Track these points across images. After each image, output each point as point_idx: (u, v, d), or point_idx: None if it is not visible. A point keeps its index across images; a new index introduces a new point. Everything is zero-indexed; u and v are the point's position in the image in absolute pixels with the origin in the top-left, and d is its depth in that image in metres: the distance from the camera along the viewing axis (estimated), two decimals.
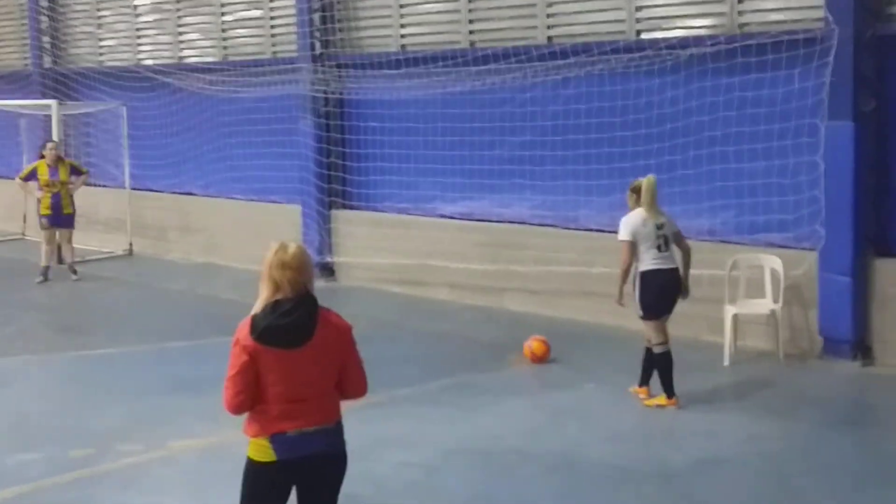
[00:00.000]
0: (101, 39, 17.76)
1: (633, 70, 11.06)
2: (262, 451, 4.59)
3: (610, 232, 11.28)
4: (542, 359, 9.98)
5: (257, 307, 4.60)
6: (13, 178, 15.17)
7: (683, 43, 10.72)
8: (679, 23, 11.09)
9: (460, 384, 9.42)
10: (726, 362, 9.84)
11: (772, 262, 10.13)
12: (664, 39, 10.92)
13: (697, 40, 10.66)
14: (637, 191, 8.62)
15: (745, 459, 7.48)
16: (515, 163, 12.21)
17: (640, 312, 8.58)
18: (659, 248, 8.48)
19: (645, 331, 8.68)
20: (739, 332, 10.21)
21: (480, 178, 12.61)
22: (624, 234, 8.52)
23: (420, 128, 13.04)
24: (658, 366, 8.62)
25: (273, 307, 4.55)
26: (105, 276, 14.88)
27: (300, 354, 4.55)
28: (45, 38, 18.35)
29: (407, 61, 12.92)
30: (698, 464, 7.36)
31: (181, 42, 16.39)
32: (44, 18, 18.26)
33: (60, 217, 14.29)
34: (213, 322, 11.79)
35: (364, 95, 13.53)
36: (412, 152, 13.21)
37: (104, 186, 17.01)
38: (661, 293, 8.51)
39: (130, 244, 16.47)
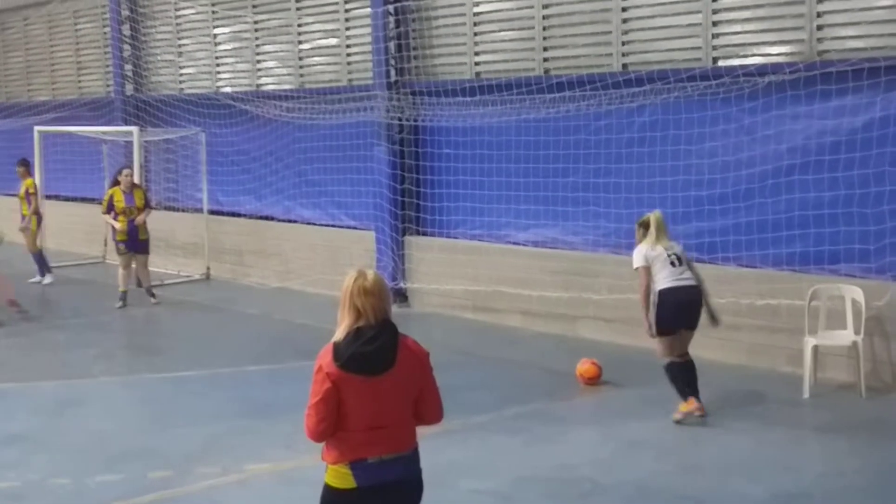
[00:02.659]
0: (181, 67, 18.15)
1: (710, 97, 10.98)
2: (342, 477, 4.60)
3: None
4: (593, 380, 10.02)
5: (339, 334, 4.61)
6: (95, 202, 15.50)
7: (761, 70, 10.62)
8: (757, 50, 10.99)
9: (533, 412, 9.39)
10: (806, 395, 9.66)
11: (853, 292, 9.94)
12: (741, 67, 10.83)
13: (775, 67, 10.55)
14: (645, 225, 9.00)
15: (825, 494, 7.33)
16: (589, 190, 12.18)
17: (653, 331, 8.81)
18: (672, 264, 8.76)
19: (656, 349, 8.92)
20: (819, 363, 10.02)
21: (554, 205, 12.61)
22: (638, 261, 8.87)
23: (494, 154, 13.08)
24: (669, 375, 8.85)
25: (356, 334, 4.57)
26: (183, 300, 15.13)
27: (382, 381, 4.57)
28: (128, 66, 18.79)
29: (481, 88, 12.98)
30: (777, 498, 7.22)
31: (259, 70, 16.67)
32: (126, 47, 18.71)
33: (136, 242, 14.52)
34: (288, 346, 11.93)
35: (438, 122, 13.62)
36: (485, 179, 13.24)
37: (183, 211, 17.33)
38: (678, 309, 8.73)
39: (208, 268, 16.73)
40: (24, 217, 16.03)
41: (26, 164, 16.53)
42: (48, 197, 18.49)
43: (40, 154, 18.15)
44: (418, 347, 4.72)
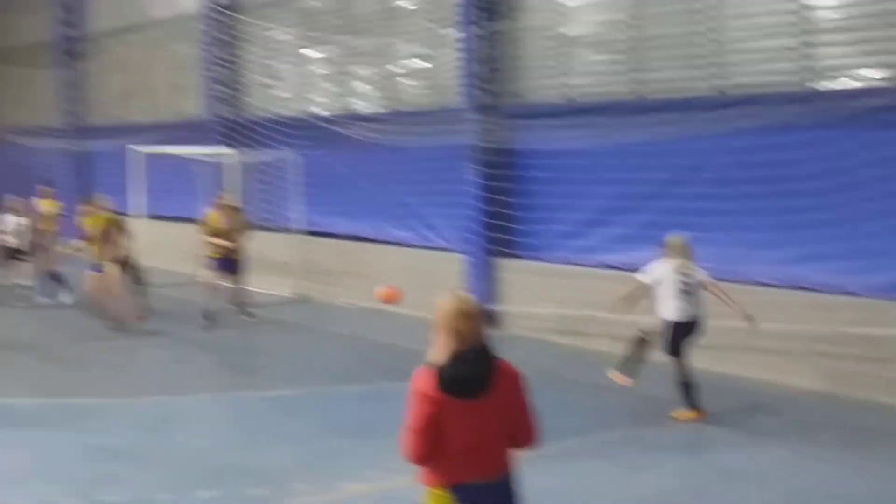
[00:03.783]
0: (274, 90, 18.48)
1: (806, 121, 10.85)
2: (441, 501, 4.64)
3: (778, 287, 11.10)
4: (390, 299, 9.48)
5: (436, 357, 4.64)
6: (190, 222, 15.83)
7: (858, 94, 10.47)
8: (854, 73, 10.84)
9: (625, 438, 9.34)
10: None
11: None
12: (839, 91, 10.69)
13: (873, 91, 10.40)
14: (669, 247, 9.74)
15: None
16: (682, 214, 12.07)
17: (667, 350, 9.69)
18: (681, 294, 9.54)
19: (672, 365, 9.69)
20: None
21: (646, 230, 12.50)
22: (645, 276, 9.75)
23: (585, 178, 13.06)
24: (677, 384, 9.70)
25: (455, 357, 4.61)
26: (276, 320, 15.36)
27: (479, 404, 4.60)
28: (222, 88, 19.20)
29: (573, 111, 13.00)
30: None
31: (350, 92, 16.90)
32: (221, 69, 19.12)
33: (229, 262, 14.80)
34: (380, 367, 12.06)
35: (529, 145, 13.66)
36: (577, 202, 13.24)
37: (275, 231, 17.62)
38: (684, 339, 9.70)
39: (300, 288, 16.96)
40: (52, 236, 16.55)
41: (49, 186, 17.09)
42: (147, 216, 18.96)
43: (137, 174, 18.61)
44: (513, 369, 4.75)
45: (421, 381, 4.63)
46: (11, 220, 16.70)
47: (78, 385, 11.85)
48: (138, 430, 9.83)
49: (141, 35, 21.82)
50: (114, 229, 14.68)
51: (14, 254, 16.53)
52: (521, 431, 4.76)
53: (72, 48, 23.96)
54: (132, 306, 14.68)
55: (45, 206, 17.35)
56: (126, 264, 14.87)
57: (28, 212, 16.23)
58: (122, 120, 22.34)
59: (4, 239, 16.72)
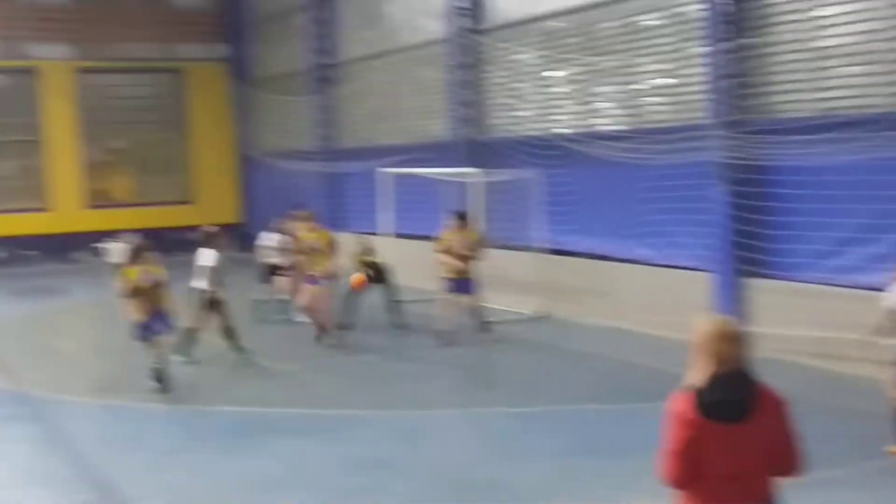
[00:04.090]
0: (517, 110, 18.74)
1: None
2: None
3: None
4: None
5: (695, 380, 4.60)
6: (432, 240, 16.19)
7: None
8: None
9: (887, 469, 8.88)
10: None
11: None
12: None
13: None
14: None
15: None
16: None
17: None
18: None
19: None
20: None
21: None
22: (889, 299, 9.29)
23: (841, 195, 12.52)
24: None
25: (714, 380, 4.55)
26: (518, 337, 15.52)
27: (741, 429, 4.53)
28: (466, 110, 19.63)
29: (826, 126, 12.50)
30: None
31: (592, 111, 16.92)
32: (465, 92, 19.57)
33: (464, 282, 15.01)
34: (626, 387, 11.98)
35: (779, 161, 13.24)
36: (832, 220, 12.71)
37: (518, 250, 17.83)
38: None
39: (543, 306, 17.08)
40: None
41: (305, 209, 17.80)
42: (394, 235, 19.62)
43: (385, 194, 19.29)
44: (776, 395, 4.65)
45: (679, 403, 4.60)
46: (274, 239, 17.66)
47: (330, 397, 12.40)
48: (390, 442, 10.18)
49: (389, 61, 22.64)
50: (328, 244, 15.29)
51: (274, 270, 17.47)
52: (785, 459, 4.65)
53: (325, 75, 25.16)
54: (333, 320, 15.15)
55: (303, 228, 18.20)
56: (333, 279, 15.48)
57: (289, 231, 17.09)
58: (371, 142, 23.21)
59: (268, 255, 17.71)
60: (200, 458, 9.77)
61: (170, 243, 20.75)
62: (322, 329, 15.16)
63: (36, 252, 27.15)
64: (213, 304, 13.71)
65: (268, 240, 17.90)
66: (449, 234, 15.19)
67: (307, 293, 15.23)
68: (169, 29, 28.76)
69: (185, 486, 8.89)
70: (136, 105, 29.34)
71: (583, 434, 10.19)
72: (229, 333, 13.87)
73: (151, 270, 12.14)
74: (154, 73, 29.24)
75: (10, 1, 27.69)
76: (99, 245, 23.53)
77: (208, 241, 14.05)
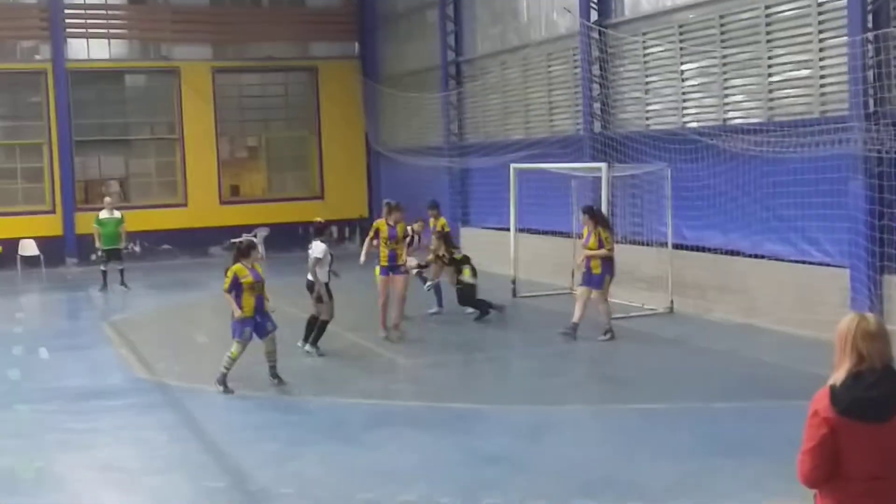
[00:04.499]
0: (648, 104, 18.46)
1: None
2: None
3: None
4: None
5: (837, 378, 4.50)
6: (561, 235, 16.08)
7: None
8: None
9: None
10: None
11: None
12: None
13: None
14: None
15: None
16: None
17: None
18: None
19: None
20: None
21: None
22: None
23: None
24: None
25: (855, 379, 4.44)
26: (647, 333, 15.27)
27: (885, 429, 4.40)
28: (596, 105, 19.43)
29: None
30: None
31: (726, 104, 16.53)
32: (595, 86, 19.36)
33: (591, 277, 14.76)
34: (757, 385, 11.67)
35: None
36: None
37: (647, 245, 17.57)
38: None
39: (672, 302, 16.80)
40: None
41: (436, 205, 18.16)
42: (520, 230, 19.57)
43: (515, 189, 19.26)
44: None
45: (819, 401, 4.51)
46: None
47: (455, 391, 12.45)
48: (516, 437, 10.14)
49: (519, 56, 22.59)
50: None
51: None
52: None
53: (455, 72, 25.27)
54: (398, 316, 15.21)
55: (435, 223, 18.30)
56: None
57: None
58: (500, 138, 23.20)
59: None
60: (327, 448, 9.90)
61: (300, 238, 21.09)
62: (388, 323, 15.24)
63: (171, 247, 28.02)
64: (321, 295, 13.85)
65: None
66: (586, 230, 15.04)
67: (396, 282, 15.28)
68: (303, 28, 29.34)
69: (313, 476, 9.03)
70: (270, 103, 30.01)
71: (712, 432, 9.95)
72: (322, 326, 14.05)
73: (258, 268, 12.26)
74: (288, 72, 29.85)
75: (152, 5, 28.69)
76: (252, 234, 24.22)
77: (317, 233, 14.35)
